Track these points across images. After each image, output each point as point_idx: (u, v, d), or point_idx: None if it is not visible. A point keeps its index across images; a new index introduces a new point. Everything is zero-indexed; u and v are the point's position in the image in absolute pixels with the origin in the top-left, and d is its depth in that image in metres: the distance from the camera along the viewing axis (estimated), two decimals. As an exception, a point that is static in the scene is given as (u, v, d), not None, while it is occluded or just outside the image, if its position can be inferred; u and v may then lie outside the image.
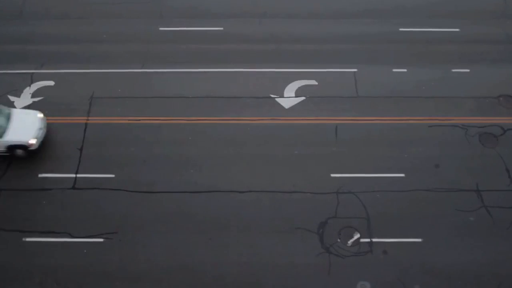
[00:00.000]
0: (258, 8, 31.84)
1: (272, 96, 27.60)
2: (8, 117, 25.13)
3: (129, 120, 26.52)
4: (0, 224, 23.07)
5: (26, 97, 27.44)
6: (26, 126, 24.98)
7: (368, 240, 22.83)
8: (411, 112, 26.90)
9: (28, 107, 26.95)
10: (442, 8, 31.92)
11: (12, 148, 24.66)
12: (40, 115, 25.67)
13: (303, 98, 27.50)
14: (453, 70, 28.67)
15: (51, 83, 28.09)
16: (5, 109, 25.46)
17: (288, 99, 27.46)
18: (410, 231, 23.05)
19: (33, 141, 24.74)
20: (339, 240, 22.86)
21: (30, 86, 27.90)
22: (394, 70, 28.72)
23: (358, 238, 22.89)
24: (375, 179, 24.51)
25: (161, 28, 30.82)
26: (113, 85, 28.02)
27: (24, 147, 24.67)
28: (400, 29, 30.68)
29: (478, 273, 21.96)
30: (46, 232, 22.93)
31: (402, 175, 24.69)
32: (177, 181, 24.51)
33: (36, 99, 27.32)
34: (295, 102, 27.33)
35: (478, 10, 31.80)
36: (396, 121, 26.54)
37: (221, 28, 30.76)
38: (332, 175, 24.67)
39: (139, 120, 26.59)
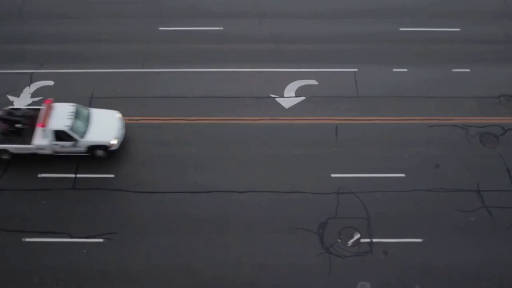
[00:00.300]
0: (258, 8, 31.81)
1: (272, 96, 27.57)
2: (88, 118, 25.02)
3: (128, 120, 26.44)
4: (-1, 224, 23.14)
5: (25, 97, 27.41)
6: (106, 127, 24.90)
7: (368, 240, 22.79)
8: (411, 112, 26.87)
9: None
10: (442, 8, 31.90)
11: (92, 148, 24.58)
12: (119, 115, 25.55)
13: (303, 98, 27.46)
14: (454, 70, 28.65)
15: (51, 83, 28.05)
16: (85, 109, 25.31)
17: (288, 99, 27.43)
18: (410, 231, 23.01)
19: (114, 142, 24.65)
20: (339, 240, 22.83)
21: (29, 86, 27.86)
22: (395, 70, 28.70)
23: (358, 238, 22.85)
24: (376, 179, 24.48)
25: (161, 28, 30.79)
26: (112, 85, 27.98)
27: (105, 147, 24.59)
28: (401, 29, 30.66)
29: (478, 273, 21.93)
30: (45, 232, 22.89)
31: (403, 175, 24.66)
32: (177, 181, 24.48)
33: (35, 99, 27.28)
34: (295, 102, 27.29)
35: (479, 10, 31.78)
36: (396, 121, 26.51)
37: (221, 28, 30.73)
38: (332, 175, 24.63)
39: (139, 120, 26.55)
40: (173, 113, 26.82)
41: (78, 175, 24.52)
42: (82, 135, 24.42)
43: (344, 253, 22.48)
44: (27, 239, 22.74)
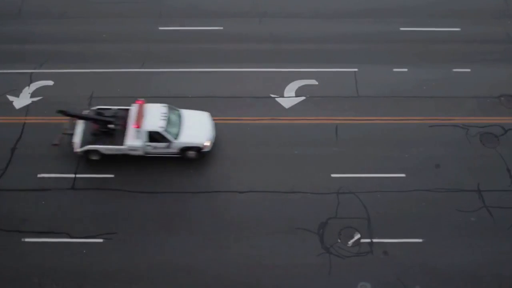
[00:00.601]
0: (258, 8, 31.75)
1: (272, 96, 27.52)
2: (179, 119, 24.84)
3: (128, 120, 26.41)
4: (-1, 225, 23.07)
5: (25, 97, 27.36)
6: (198, 128, 24.73)
7: (368, 240, 22.76)
8: (411, 112, 26.81)
9: (27, 107, 26.88)
10: (443, 7, 31.83)
11: (185, 149, 24.45)
12: (209, 116, 25.44)
13: (303, 98, 27.42)
14: (454, 70, 28.59)
15: (50, 82, 28.00)
16: (176, 110, 25.12)
17: (288, 99, 27.38)
18: (410, 231, 22.97)
19: (207, 143, 24.53)
20: (339, 241, 22.79)
21: (29, 86, 27.81)
22: (395, 69, 28.65)
23: (359, 239, 22.82)
24: (376, 179, 24.43)
25: (160, 28, 30.73)
26: (112, 85, 27.93)
27: (198, 149, 24.46)
28: (401, 29, 30.60)
29: (479, 274, 21.90)
30: (45, 233, 22.85)
31: (403, 175, 24.61)
32: (177, 181, 24.43)
33: (35, 99, 27.23)
34: (295, 102, 27.24)
35: (479, 10, 31.71)
36: (396, 121, 26.46)
37: (221, 28, 30.67)
38: (333, 175, 24.59)
39: (139, 120, 26.49)
40: (173, 113, 26.76)
41: (77, 175, 24.47)
42: (176, 136, 24.19)
43: (344, 253, 22.44)
44: (27, 239, 22.71)
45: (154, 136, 23.95)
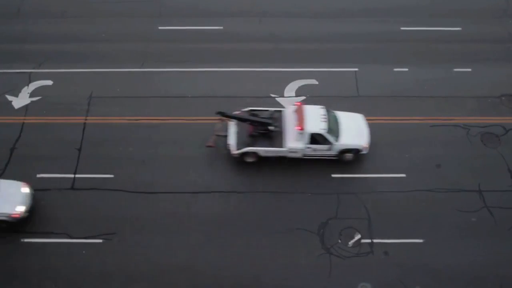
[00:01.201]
0: (258, 7, 31.69)
1: (272, 95, 27.44)
2: (337, 120, 24.58)
3: (128, 120, 26.36)
4: (-2, 225, 22.98)
5: (24, 96, 27.28)
6: (356, 130, 24.55)
7: (369, 240, 22.69)
8: (412, 112, 26.73)
9: (26, 106, 26.80)
10: (443, 7, 31.78)
11: (344, 151, 24.21)
12: (364, 117, 25.19)
13: (303, 97, 27.34)
14: (455, 70, 28.53)
15: (49, 82, 27.93)
16: (332, 112, 24.86)
17: (289, 98, 27.30)
18: (411, 231, 22.91)
19: (366, 145, 24.33)
20: (339, 241, 22.72)
21: (28, 85, 27.73)
22: (395, 69, 28.58)
23: (359, 239, 22.75)
24: (376, 179, 24.37)
25: (160, 27, 30.66)
26: (112, 85, 27.86)
27: (357, 151, 24.26)
28: (402, 28, 30.53)
29: (479, 274, 21.83)
30: (44, 233, 22.77)
31: (403, 175, 24.55)
32: (177, 181, 24.35)
33: (34, 99, 27.16)
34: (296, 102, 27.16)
35: (480, 9, 31.66)
36: (397, 121, 26.38)
37: (221, 27, 30.61)
38: (333, 175, 24.52)
39: (138, 120, 26.42)
40: (173, 112, 26.70)
41: (77, 175, 24.39)
42: (336, 138, 24.02)
43: (344, 253, 22.37)
44: (26, 240, 22.62)
45: (315, 138, 23.72)
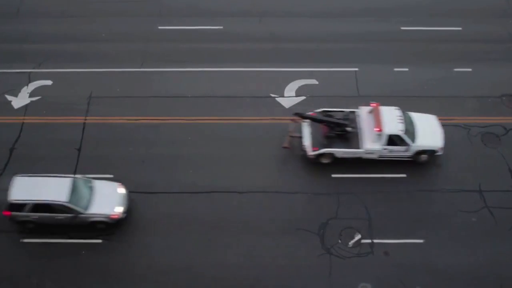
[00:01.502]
0: (258, 7, 31.64)
1: (272, 95, 27.40)
2: (411, 122, 24.46)
3: (127, 119, 26.32)
4: (-3, 225, 22.94)
5: (23, 96, 27.24)
6: (431, 131, 24.44)
7: (369, 241, 22.64)
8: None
9: (25, 106, 26.76)
10: (444, 6, 31.73)
11: (419, 153, 24.11)
12: (437, 118, 25.08)
13: (303, 97, 27.29)
14: (455, 70, 28.48)
15: (49, 82, 27.89)
16: (407, 113, 24.78)
17: (289, 98, 27.26)
18: (411, 231, 22.86)
19: (442, 146, 24.22)
20: (340, 241, 22.67)
21: (27, 85, 27.69)
22: (396, 69, 28.53)
23: (359, 239, 22.70)
24: (377, 179, 24.32)
25: (160, 27, 30.62)
26: (111, 85, 27.82)
27: (433, 152, 24.16)
28: (402, 28, 30.49)
29: (480, 274, 21.78)
30: (44, 233, 22.70)
31: (404, 175, 24.49)
32: (177, 181, 24.30)
33: (34, 99, 27.11)
34: (296, 102, 27.12)
35: (480, 9, 31.61)
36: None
37: (221, 27, 30.56)
38: (333, 175, 24.47)
39: (138, 119, 26.38)
40: (172, 112, 26.65)
41: (76, 176, 24.29)
42: (412, 139, 23.91)
43: (345, 254, 22.32)
44: (25, 240, 22.58)
45: (393, 140, 23.69)
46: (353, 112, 24.90)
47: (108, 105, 26.81)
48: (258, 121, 26.35)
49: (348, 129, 24.03)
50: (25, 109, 26.73)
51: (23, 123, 26.21)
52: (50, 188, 22.09)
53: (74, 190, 22.25)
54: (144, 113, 26.60)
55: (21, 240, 22.56)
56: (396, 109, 24.52)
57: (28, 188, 22.10)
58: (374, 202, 23.62)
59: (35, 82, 27.81)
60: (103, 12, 31.35)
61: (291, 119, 24.81)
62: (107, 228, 22.69)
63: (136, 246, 22.43)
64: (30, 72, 28.22)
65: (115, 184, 23.28)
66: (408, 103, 26.95)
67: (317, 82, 27.93)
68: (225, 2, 31.94)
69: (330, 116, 24.54)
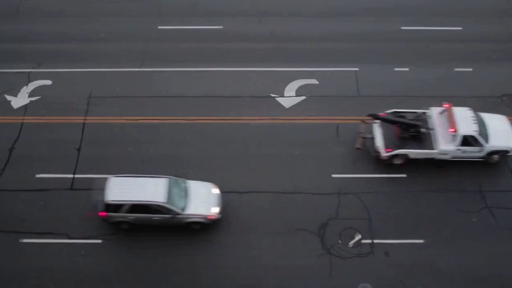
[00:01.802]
0: (258, 7, 31.62)
1: (272, 95, 27.36)
2: (483, 122, 24.38)
3: (127, 119, 26.28)
4: (-4, 225, 22.91)
5: (23, 96, 27.21)
6: (503, 131, 24.29)
7: (369, 241, 22.60)
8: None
9: (25, 106, 26.73)
10: (444, 6, 31.70)
11: (491, 153, 24.01)
12: (506, 118, 25.00)
13: (303, 97, 27.26)
14: (456, 69, 28.45)
15: (49, 82, 27.86)
16: (478, 114, 24.69)
17: (289, 98, 27.22)
18: (412, 232, 22.81)
19: None
20: (340, 242, 22.63)
21: (27, 85, 27.66)
22: (396, 69, 28.50)
23: (360, 239, 22.66)
24: (377, 179, 24.28)
25: (160, 27, 30.59)
26: (111, 84, 27.79)
27: (505, 152, 24.00)
28: (402, 28, 30.46)
29: (480, 275, 21.74)
30: (43, 233, 22.69)
31: (404, 175, 24.45)
32: (176, 182, 24.28)
33: (33, 99, 27.08)
34: (296, 102, 27.09)
35: (481, 9, 31.58)
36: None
37: (221, 27, 30.53)
38: (333, 175, 24.43)
39: (138, 119, 26.35)
40: (172, 112, 26.62)
41: (76, 176, 24.30)
42: (485, 140, 23.82)
43: (345, 254, 22.28)
44: (25, 240, 22.55)
45: (467, 140, 23.63)
46: (425, 113, 24.82)
47: (107, 105, 26.78)
48: (258, 121, 26.31)
49: (423, 130, 24.00)
50: (25, 109, 26.70)
51: (22, 123, 26.18)
52: (147, 189, 21.83)
53: (170, 190, 22.03)
54: (144, 113, 26.57)
55: (21, 240, 22.52)
56: (468, 109, 24.49)
57: (124, 189, 21.81)
58: (375, 202, 23.58)
59: (34, 82, 27.79)
60: (103, 11, 31.33)
61: (362, 120, 24.75)
62: (202, 229, 22.54)
63: (135, 247, 22.37)
64: (29, 72, 28.19)
65: (209, 184, 23.13)
66: (409, 103, 26.92)
67: (317, 82, 27.90)
68: (225, 2, 31.91)
69: (402, 117, 24.53)
